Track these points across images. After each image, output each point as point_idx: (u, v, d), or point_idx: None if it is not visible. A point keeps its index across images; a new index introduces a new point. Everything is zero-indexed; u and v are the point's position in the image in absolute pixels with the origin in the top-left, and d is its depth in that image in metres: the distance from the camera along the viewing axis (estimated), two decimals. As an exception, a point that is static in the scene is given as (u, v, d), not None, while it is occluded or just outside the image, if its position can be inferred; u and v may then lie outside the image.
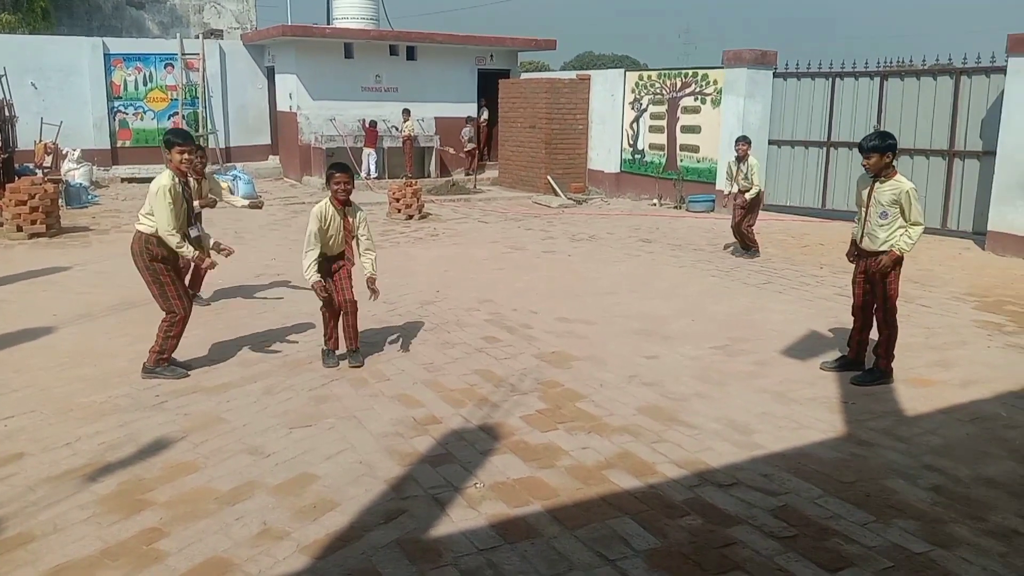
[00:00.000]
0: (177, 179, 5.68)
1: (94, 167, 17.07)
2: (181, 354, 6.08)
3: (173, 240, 5.58)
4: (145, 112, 19.22)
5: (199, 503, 4.04)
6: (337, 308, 6.10)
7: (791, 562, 3.60)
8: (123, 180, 18.05)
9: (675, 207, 15.41)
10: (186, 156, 5.69)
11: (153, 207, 5.55)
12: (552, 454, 4.64)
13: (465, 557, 3.61)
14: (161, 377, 5.76)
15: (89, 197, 14.94)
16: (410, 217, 13.57)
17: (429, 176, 18.85)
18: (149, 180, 19.51)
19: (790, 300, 8.32)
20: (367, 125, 18.31)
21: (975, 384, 5.86)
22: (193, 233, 5.89)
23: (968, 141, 11.71)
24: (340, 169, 5.99)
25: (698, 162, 15.51)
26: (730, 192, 10.56)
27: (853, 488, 4.28)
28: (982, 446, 4.82)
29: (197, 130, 19.27)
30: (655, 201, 15.97)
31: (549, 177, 17.20)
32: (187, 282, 7.14)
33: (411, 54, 19.54)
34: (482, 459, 4.57)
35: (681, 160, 15.86)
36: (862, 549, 3.70)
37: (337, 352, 6.20)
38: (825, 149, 13.76)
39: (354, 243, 6.13)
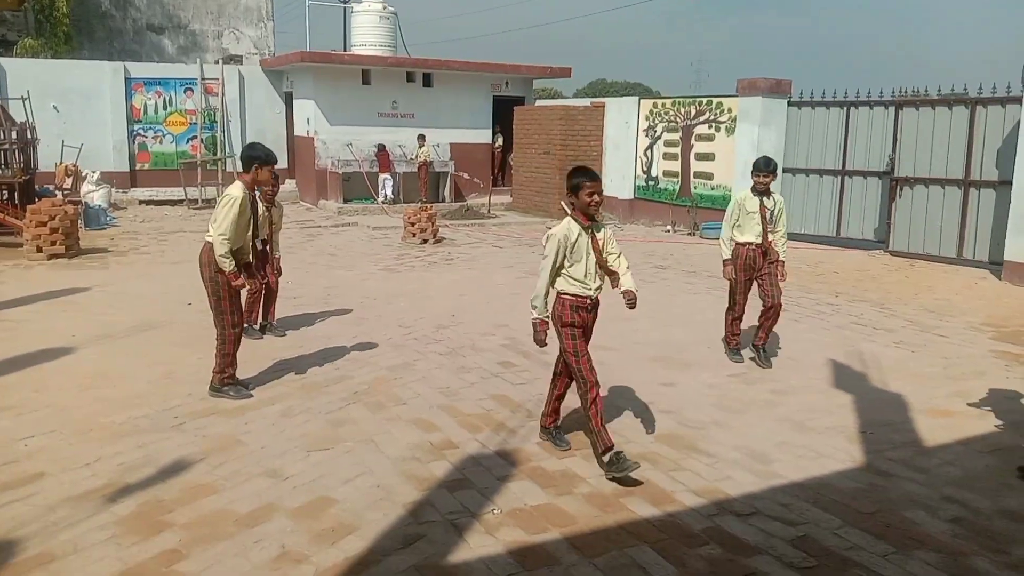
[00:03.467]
0: (247, 193, 5.83)
1: (113, 189, 17.26)
2: (190, 374, 6.12)
3: (223, 248, 5.64)
4: (164, 135, 19.48)
5: (218, 525, 4.05)
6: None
7: (812, 593, 3.57)
8: (141, 203, 18.24)
9: (689, 233, 15.43)
10: (268, 174, 5.91)
11: (217, 215, 5.70)
12: (569, 481, 4.63)
13: (483, 584, 3.60)
14: (227, 396, 5.86)
15: (108, 219, 15.11)
16: (425, 241, 13.65)
17: (444, 201, 18.97)
18: (166, 203, 19.70)
19: (806, 329, 8.30)
20: (378, 150, 18.48)
21: (993, 415, 5.82)
22: (259, 247, 6.22)
23: (984, 171, 11.70)
24: (591, 177, 4.95)
25: (712, 189, 15.55)
26: (750, 246, 6.86)
27: (873, 519, 4.25)
28: (1002, 478, 4.78)
29: (215, 154, 19.50)
30: (669, 227, 16.00)
31: (563, 202, 17.22)
32: (260, 311, 7.61)
33: (428, 81, 19.75)
34: (499, 485, 4.56)
35: (695, 187, 15.90)
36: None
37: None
38: (840, 177, 13.77)
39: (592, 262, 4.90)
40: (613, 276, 4.98)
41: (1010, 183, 10.95)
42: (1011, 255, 10.74)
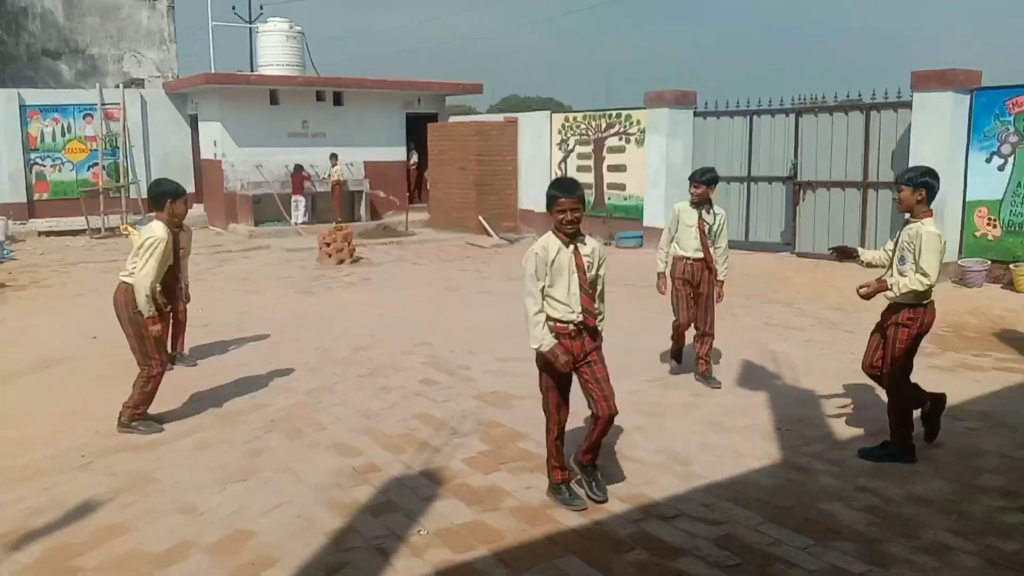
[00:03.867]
0: (169, 231, 5.69)
1: (10, 221, 16.48)
2: (96, 410, 5.87)
3: (143, 294, 5.46)
4: (64, 163, 18.71)
5: (131, 567, 3.87)
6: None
7: (736, 591, 3.63)
8: (41, 234, 17.46)
9: (605, 243, 15.65)
10: (183, 207, 5.80)
11: (143, 259, 5.49)
12: (496, 496, 4.61)
13: (411, 607, 3.53)
14: (136, 432, 5.62)
15: (5, 252, 14.40)
16: (341, 262, 13.45)
17: (360, 220, 18.75)
18: (67, 233, 18.87)
19: (719, 330, 8.48)
20: (292, 171, 18.18)
21: (900, 406, 6.05)
22: (184, 281, 6.33)
23: (881, 172, 12.25)
24: (564, 191, 4.36)
25: (625, 199, 15.83)
26: (687, 260, 6.57)
27: (792, 513, 4.36)
28: (911, 466, 4.97)
29: (119, 180, 18.83)
30: (586, 238, 16.18)
31: (481, 218, 17.30)
32: (169, 342, 7.19)
33: (338, 99, 19.54)
34: (425, 505, 4.50)
35: (609, 198, 16.16)
36: (804, 573, 3.76)
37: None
38: (746, 184, 14.21)
39: None
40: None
41: (904, 183, 11.48)
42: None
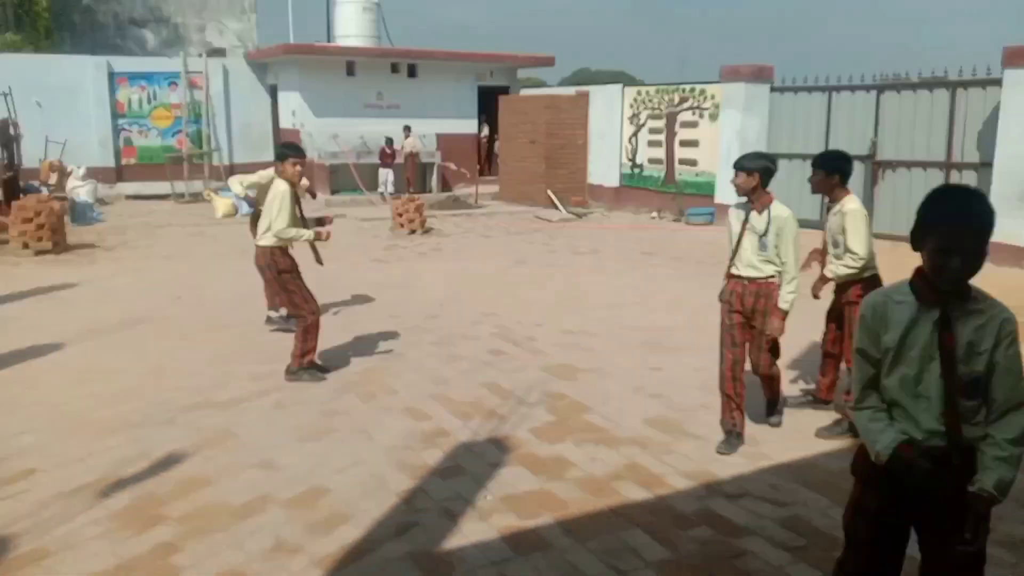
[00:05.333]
0: (290, 186, 6.15)
1: (99, 184, 17.17)
2: (180, 368, 6.14)
3: (291, 233, 6.07)
4: (149, 130, 19.36)
5: (212, 518, 4.07)
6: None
7: (801, 572, 3.63)
8: (128, 198, 18.15)
9: (675, 220, 15.50)
10: (300, 168, 6.19)
11: (274, 211, 6.01)
12: (561, 466, 4.68)
13: (478, 570, 3.64)
14: (303, 380, 6.07)
15: (94, 214, 15.02)
16: (413, 232, 13.65)
17: (431, 191, 18.95)
18: (153, 197, 19.54)
19: (795, 313, 8.34)
20: (385, 145, 18.40)
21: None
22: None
23: (965, 153, 11.80)
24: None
25: (696, 175, 15.61)
26: (736, 280, 4.94)
27: (860, 498, 4.31)
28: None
29: (201, 147, 19.39)
30: (655, 214, 16.06)
31: (550, 191, 17.29)
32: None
33: (412, 71, 19.70)
34: (492, 471, 4.60)
35: (680, 174, 15.95)
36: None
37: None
38: (824, 162, 13.83)
39: None
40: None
41: (991, 165, 11.06)
42: (994, 236, 10.83)
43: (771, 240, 4.81)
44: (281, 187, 6.12)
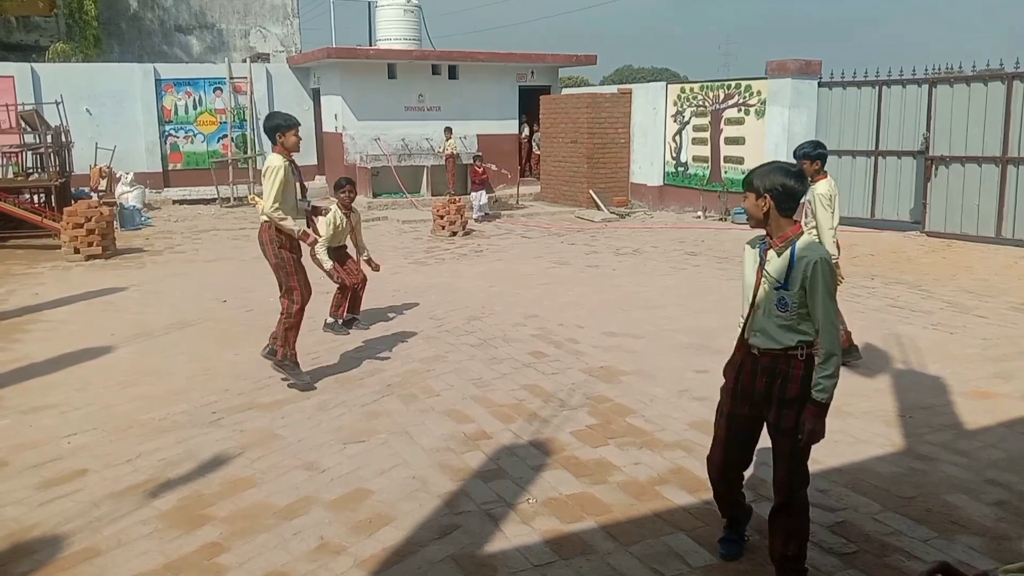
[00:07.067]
0: (287, 161, 5.88)
1: (147, 190, 17.52)
2: (226, 370, 6.20)
3: (277, 215, 5.77)
4: (195, 135, 19.70)
5: (257, 518, 4.11)
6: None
7: (852, 579, 3.54)
8: (175, 202, 18.48)
9: (720, 219, 15.30)
10: (293, 138, 5.91)
11: (265, 188, 5.80)
12: (604, 470, 4.63)
13: (520, 573, 3.61)
14: (285, 371, 6.01)
15: (143, 219, 15.33)
16: (454, 234, 13.68)
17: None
18: (199, 202, 19.83)
19: (842, 313, 8.18)
20: (475, 164, 16.39)
21: (1037, 396, 5.71)
22: (365, 255, 7.53)
23: (1023, 147, 11.45)
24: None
25: (742, 173, 15.30)
26: (744, 344, 3.58)
27: (913, 503, 4.20)
28: (1047, 460, 4.69)
29: (246, 152, 19.68)
30: (699, 213, 15.87)
31: (592, 191, 17.19)
32: (347, 306, 7.70)
33: (453, 73, 19.75)
34: (534, 475, 4.57)
35: (725, 172, 15.74)
36: (925, 566, 3.62)
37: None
38: (873, 158, 13.55)
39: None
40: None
41: (1050, 159, 10.72)
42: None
43: (794, 295, 3.28)
44: (276, 162, 5.80)
